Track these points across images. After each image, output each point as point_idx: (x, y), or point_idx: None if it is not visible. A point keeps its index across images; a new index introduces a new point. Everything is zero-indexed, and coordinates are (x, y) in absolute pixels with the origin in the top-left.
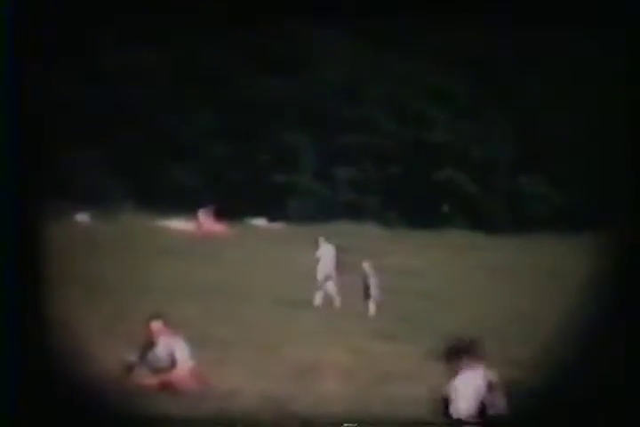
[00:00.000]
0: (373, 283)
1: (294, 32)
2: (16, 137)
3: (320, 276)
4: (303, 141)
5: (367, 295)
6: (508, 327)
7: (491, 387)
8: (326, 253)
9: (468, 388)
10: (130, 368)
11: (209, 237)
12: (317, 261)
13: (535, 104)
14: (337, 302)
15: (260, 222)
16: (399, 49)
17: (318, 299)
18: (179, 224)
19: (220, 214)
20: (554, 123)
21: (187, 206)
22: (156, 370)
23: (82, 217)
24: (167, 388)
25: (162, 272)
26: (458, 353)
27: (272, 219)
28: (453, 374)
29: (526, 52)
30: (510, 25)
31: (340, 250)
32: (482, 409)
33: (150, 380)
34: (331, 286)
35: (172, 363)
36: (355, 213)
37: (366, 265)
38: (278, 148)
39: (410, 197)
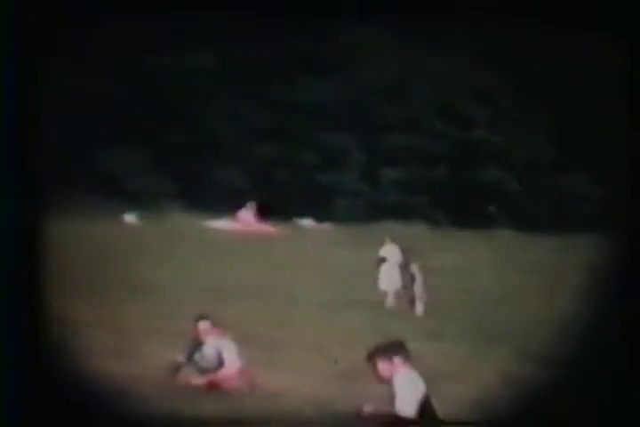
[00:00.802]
0: (420, 283)
1: (339, 32)
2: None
3: (384, 276)
4: (349, 142)
5: (414, 295)
6: (551, 326)
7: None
8: (391, 254)
9: (407, 387)
10: (177, 368)
11: (257, 238)
12: (381, 260)
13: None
14: (418, 304)
15: (308, 223)
16: (443, 49)
17: (390, 300)
18: (226, 224)
19: (265, 213)
20: (593, 122)
21: (234, 207)
22: (204, 370)
23: (130, 217)
24: (214, 388)
25: (209, 272)
26: (392, 352)
27: (319, 219)
28: (387, 375)
29: (568, 53)
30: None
31: (405, 251)
32: (421, 408)
33: (197, 380)
34: (396, 287)
35: (220, 363)
36: (401, 213)
37: (413, 265)
38: (324, 148)
39: (455, 197)
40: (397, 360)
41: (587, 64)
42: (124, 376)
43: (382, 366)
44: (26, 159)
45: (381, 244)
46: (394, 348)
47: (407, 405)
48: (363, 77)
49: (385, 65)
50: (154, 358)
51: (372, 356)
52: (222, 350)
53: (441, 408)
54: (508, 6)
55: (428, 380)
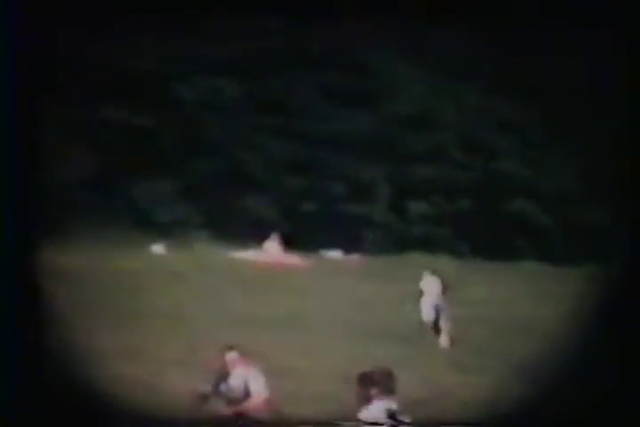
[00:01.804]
0: (446, 314)
1: (367, 65)
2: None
3: (425, 309)
4: (377, 173)
5: (439, 327)
6: (580, 358)
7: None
8: (431, 286)
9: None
10: (204, 399)
11: (284, 269)
12: (420, 293)
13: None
14: (444, 336)
15: (335, 254)
16: (471, 80)
17: (427, 333)
18: (254, 255)
19: (292, 245)
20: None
21: (261, 237)
22: (231, 401)
23: (157, 248)
24: (241, 418)
25: (237, 303)
26: (370, 382)
27: (347, 251)
28: (363, 402)
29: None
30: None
31: (448, 284)
32: None
33: (224, 410)
34: (438, 320)
35: (247, 394)
36: (428, 245)
37: (439, 297)
38: (352, 180)
39: (481, 229)
40: (373, 392)
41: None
42: (152, 406)
43: (359, 394)
44: (50, 191)
45: (420, 276)
46: (374, 378)
47: None
48: (390, 109)
49: (413, 96)
50: (182, 388)
51: (357, 381)
52: (249, 381)
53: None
54: (539, 40)
55: (455, 410)
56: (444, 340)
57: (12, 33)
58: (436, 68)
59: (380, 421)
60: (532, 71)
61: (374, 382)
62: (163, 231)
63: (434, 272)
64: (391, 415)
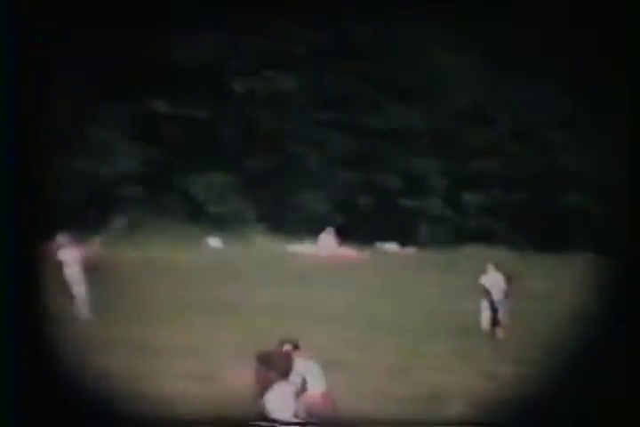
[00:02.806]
0: (505, 308)
1: (423, 59)
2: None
3: (486, 304)
4: (433, 167)
5: (496, 320)
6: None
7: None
8: (494, 281)
9: (281, 402)
10: (260, 393)
11: (340, 262)
12: (482, 288)
13: None
14: (501, 330)
15: (391, 247)
16: (526, 75)
17: (487, 327)
18: (310, 249)
19: (348, 238)
20: None
21: (317, 231)
22: None
23: (214, 242)
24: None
25: (293, 296)
26: (270, 364)
27: (403, 244)
28: (265, 385)
29: None
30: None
31: (509, 278)
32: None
33: None
34: (501, 314)
35: (304, 387)
36: (484, 237)
37: (495, 289)
38: (408, 173)
39: (537, 222)
40: (272, 374)
41: None
42: (209, 401)
43: (260, 375)
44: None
45: (476, 269)
46: (272, 360)
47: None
48: (446, 103)
49: (468, 91)
50: (239, 382)
51: (256, 361)
52: (306, 374)
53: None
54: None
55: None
56: (500, 333)
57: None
58: (491, 61)
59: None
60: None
61: (272, 363)
62: (219, 225)
63: (497, 267)
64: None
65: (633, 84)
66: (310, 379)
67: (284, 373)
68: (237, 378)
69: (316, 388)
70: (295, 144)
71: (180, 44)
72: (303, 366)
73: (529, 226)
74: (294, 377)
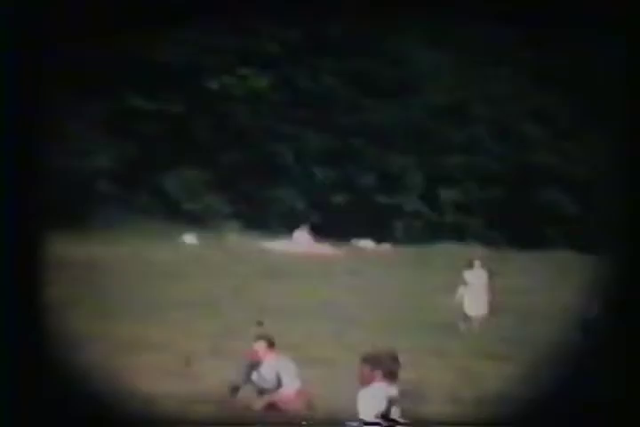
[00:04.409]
0: (482, 303)
1: (399, 56)
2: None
3: (469, 300)
4: (408, 163)
5: (468, 315)
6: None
7: (391, 403)
8: (478, 278)
9: (372, 400)
10: (236, 389)
11: (315, 259)
12: (466, 283)
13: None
14: (477, 325)
15: (367, 244)
16: (502, 71)
17: (467, 323)
18: (285, 245)
19: (323, 234)
20: None
21: (292, 228)
22: (262, 391)
23: (189, 238)
24: (272, 409)
25: (268, 293)
26: (376, 363)
27: (378, 240)
28: (364, 382)
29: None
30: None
31: (491, 275)
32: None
33: (256, 401)
34: (483, 310)
35: (279, 384)
36: (460, 234)
37: (477, 285)
38: (383, 170)
39: (514, 218)
40: (377, 373)
41: None
42: (183, 397)
43: (363, 374)
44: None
45: (467, 266)
46: (380, 360)
47: (362, 416)
48: (422, 99)
49: (445, 87)
50: (212, 378)
51: (362, 361)
52: (281, 371)
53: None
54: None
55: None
56: (473, 328)
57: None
58: (466, 56)
59: (376, 420)
60: (563, 58)
61: (380, 363)
62: (194, 221)
63: (476, 263)
64: (385, 415)
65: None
66: (285, 376)
67: (390, 374)
68: (211, 374)
69: (291, 385)
70: (270, 141)
71: (156, 41)
72: (277, 364)
73: (505, 223)
74: (270, 373)
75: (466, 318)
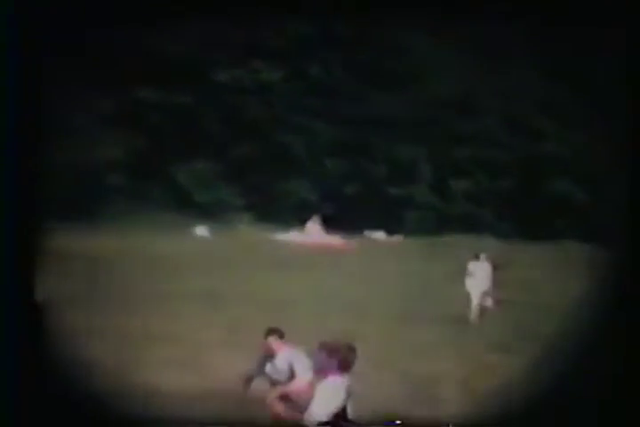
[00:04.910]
0: (489, 295)
1: (409, 46)
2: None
3: (474, 291)
4: (419, 154)
5: (482, 308)
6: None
7: (348, 395)
8: (481, 270)
9: (329, 392)
10: (249, 380)
11: (327, 250)
12: (470, 275)
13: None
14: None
15: (378, 235)
16: (513, 62)
17: (474, 314)
18: (296, 237)
19: (335, 226)
20: None
21: (304, 220)
22: (275, 382)
23: (201, 230)
24: (285, 400)
25: (280, 285)
26: (333, 354)
27: (390, 232)
28: (320, 374)
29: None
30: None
31: (495, 267)
32: (337, 416)
33: (269, 393)
34: (488, 302)
35: (291, 375)
36: (470, 225)
37: (482, 278)
38: (395, 161)
39: (524, 209)
40: (332, 362)
41: None
42: (193, 389)
43: (317, 363)
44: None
45: (464, 257)
46: (338, 349)
47: (320, 410)
48: (432, 91)
49: (455, 78)
50: (223, 370)
51: (319, 346)
52: (293, 363)
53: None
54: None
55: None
56: (484, 320)
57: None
58: (477, 48)
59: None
60: (573, 50)
61: (337, 352)
62: (205, 213)
63: (482, 256)
64: (337, 417)
65: (618, 71)
66: (297, 368)
67: (347, 365)
68: (222, 365)
69: (304, 376)
70: (281, 133)
71: (166, 33)
72: (290, 356)
73: (515, 214)
74: (283, 365)
75: (475, 309)
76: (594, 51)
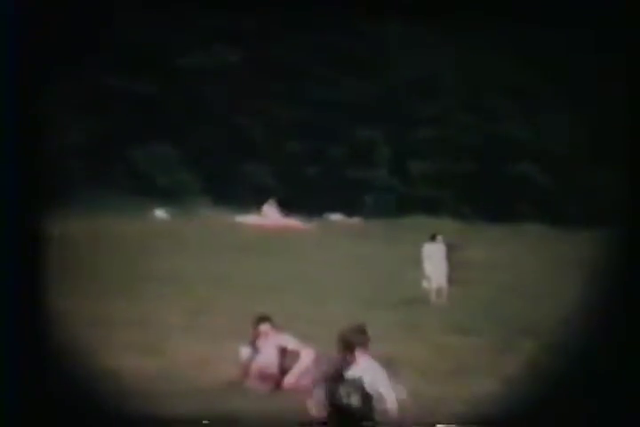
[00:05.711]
0: (448, 277)
1: (366, 29)
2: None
3: (429, 271)
4: (378, 136)
5: (441, 290)
6: (580, 321)
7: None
8: (438, 250)
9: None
10: (245, 369)
11: (286, 233)
12: (428, 256)
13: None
14: (445, 297)
15: (337, 218)
16: (472, 46)
17: (433, 296)
18: (256, 220)
19: (293, 209)
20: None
21: (262, 202)
22: (267, 370)
23: (160, 213)
24: (278, 389)
25: (240, 268)
26: (351, 345)
27: (349, 214)
28: (348, 364)
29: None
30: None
31: (450, 247)
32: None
33: (261, 382)
34: (442, 283)
35: (281, 362)
36: (430, 207)
37: (437, 259)
38: (353, 143)
39: (485, 192)
40: (358, 351)
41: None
42: (153, 373)
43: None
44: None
45: (422, 239)
46: (357, 339)
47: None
48: (391, 73)
49: (413, 61)
50: (184, 354)
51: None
52: (288, 345)
53: (463, 402)
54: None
55: (454, 373)
56: (444, 302)
57: (14, 5)
58: (438, 29)
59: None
60: (535, 32)
61: (355, 343)
62: (165, 196)
63: (438, 238)
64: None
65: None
66: (297, 348)
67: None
68: (185, 348)
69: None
70: (239, 116)
71: (127, 18)
72: (279, 341)
73: (476, 196)
74: (271, 351)
75: (435, 290)
76: (562, 34)
